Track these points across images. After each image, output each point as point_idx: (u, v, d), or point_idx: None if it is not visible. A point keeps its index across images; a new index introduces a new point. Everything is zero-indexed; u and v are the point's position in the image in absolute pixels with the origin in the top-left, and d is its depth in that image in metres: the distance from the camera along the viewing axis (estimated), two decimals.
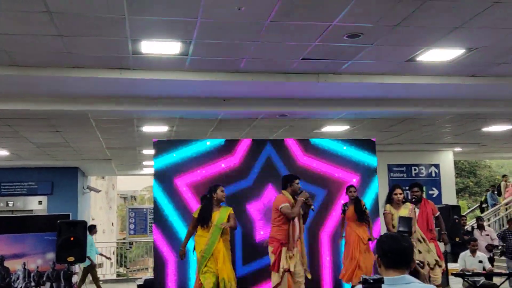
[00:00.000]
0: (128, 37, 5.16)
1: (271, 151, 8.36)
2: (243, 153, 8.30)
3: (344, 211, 7.97)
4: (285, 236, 6.06)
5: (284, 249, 6.02)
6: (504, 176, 17.12)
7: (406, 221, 6.21)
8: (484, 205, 17.14)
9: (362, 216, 7.87)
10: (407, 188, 8.28)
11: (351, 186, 8.04)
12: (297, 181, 6.25)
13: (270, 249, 6.09)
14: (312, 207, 6.39)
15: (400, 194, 6.94)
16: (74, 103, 7.10)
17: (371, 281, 2.27)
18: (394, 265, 2.51)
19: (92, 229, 12.51)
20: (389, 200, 7.02)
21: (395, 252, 2.52)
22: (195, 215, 6.58)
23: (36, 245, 7.79)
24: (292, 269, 6.02)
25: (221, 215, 6.51)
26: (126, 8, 4.45)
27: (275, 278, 6.00)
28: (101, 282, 15.09)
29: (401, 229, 6.07)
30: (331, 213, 8.23)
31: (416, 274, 2.61)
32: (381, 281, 2.26)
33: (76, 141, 10.32)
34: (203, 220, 6.44)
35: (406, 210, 6.83)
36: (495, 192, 16.89)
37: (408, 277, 2.46)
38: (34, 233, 7.85)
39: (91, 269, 11.97)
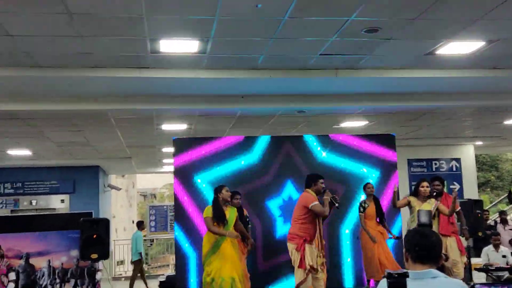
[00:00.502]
0: (146, 36, 5.21)
1: (290, 148, 8.40)
2: (262, 150, 8.36)
3: (364, 209, 7.91)
4: (308, 234, 6.08)
5: (307, 246, 6.02)
6: None
7: (426, 214, 6.15)
8: None
9: (383, 217, 7.90)
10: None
11: (368, 183, 8.05)
12: (321, 180, 6.26)
13: (292, 246, 6.08)
14: (337, 205, 6.39)
15: (427, 187, 6.91)
16: (94, 103, 7.20)
17: (396, 275, 2.26)
18: (421, 259, 2.50)
19: (141, 224, 12.82)
20: (415, 193, 7.00)
21: (423, 247, 2.51)
22: (209, 215, 6.57)
23: (60, 242, 7.90)
24: (315, 266, 6.03)
25: (230, 215, 6.59)
26: (144, 8, 4.48)
27: (299, 275, 6.00)
28: (123, 279, 15.29)
29: (422, 221, 6.02)
30: (351, 209, 8.23)
31: (441, 267, 2.59)
32: (405, 275, 2.25)
33: (96, 140, 10.44)
34: (219, 218, 6.48)
35: (429, 205, 6.78)
36: None
37: (434, 271, 2.45)
38: (58, 231, 7.96)
39: (139, 263, 12.26)
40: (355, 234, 8.34)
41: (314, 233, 6.17)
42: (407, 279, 2.33)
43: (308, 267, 5.95)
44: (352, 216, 8.41)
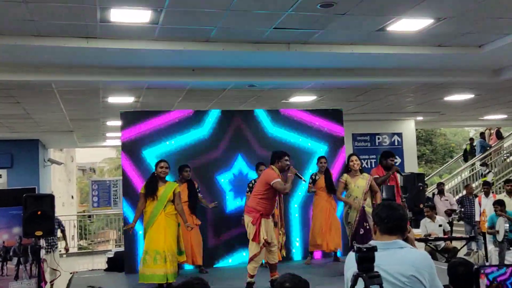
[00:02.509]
0: (96, 5, 4.99)
1: (240, 123, 8.38)
2: (212, 124, 8.29)
3: (314, 181, 8.07)
4: (265, 209, 6.11)
5: (263, 220, 6.06)
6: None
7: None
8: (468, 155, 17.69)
9: (332, 188, 8.04)
10: (373, 156, 8.38)
11: (322, 157, 8.16)
12: (286, 157, 6.24)
13: (248, 219, 6.10)
14: (304, 179, 6.54)
15: (356, 160, 6.97)
16: (37, 73, 6.88)
17: (364, 249, 2.31)
18: (389, 231, 2.61)
19: None
20: (347, 169, 7.05)
21: (392, 219, 2.61)
22: (142, 191, 6.64)
23: (1, 219, 7.54)
24: (270, 240, 6.09)
25: (166, 190, 6.56)
26: None
27: (253, 248, 6.04)
28: (64, 256, 14.85)
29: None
30: (299, 183, 8.32)
31: (405, 239, 2.73)
32: (374, 249, 2.30)
33: (37, 112, 9.99)
34: (150, 192, 6.52)
35: (364, 180, 6.82)
36: (484, 139, 17.54)
37: (401, 242, 2.57)
38: None
39: None
40: (303, 208, 8.49)
41: (271, 208, 6.22)
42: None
43: (262, 241, 6.00)
44: (300, 190, 8.54)
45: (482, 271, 2.42)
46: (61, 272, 8.14)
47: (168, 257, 6.33)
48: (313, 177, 8.09)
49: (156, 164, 6.70)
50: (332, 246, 7.94)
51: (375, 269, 2.45)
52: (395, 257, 2.51)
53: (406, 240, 2.72)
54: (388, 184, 6.81)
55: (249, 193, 7.58)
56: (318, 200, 8.10)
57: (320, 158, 8.14)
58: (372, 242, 2.70)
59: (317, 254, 8.36)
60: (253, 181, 7.70)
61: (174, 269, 6.41)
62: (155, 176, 6.64)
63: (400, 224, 2.62)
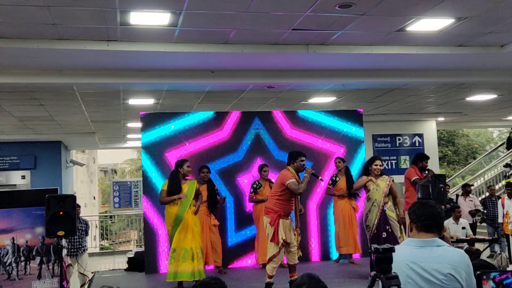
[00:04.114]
0: (116, 8, 5.05)
1: (259, 125, 8.43)
2: (232, 127, 8.35)
3: (335, 182, 8.03)
4: (283, 209, 6.13)
5: (281, 220, 6.08)
6: None
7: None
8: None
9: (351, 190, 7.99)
10: (394, 158, 8.27)
11: (338, 157, 8.15)
12: (302, 158, 6.24)
13: (267, 220, 6.13)
14: (321, 178, 6.55)
15: (381, 166, 6.88)
16: (59, 76, 6.98)
17: (381, 250, 2.30)
18: (426, 229, 2.64)
19: None
20: (367, 171, 6.93)
21: (429, 217, 2.65)
22: (165, 188, 6.71)
23: (24, 219, 7.67)
24: (289, 240, 6.11)
25: (189, 187, 6.68)
26: None
27: (272, 248, 6.07)
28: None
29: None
30: (318, 183, 8.32)
31: (442, 238, 2.77)
32: (391, 250, 2.30)
33: (60, 114, 10.15)
34: (173, 192, 6.58)
35: (383, 182, 6.75)
36: None
37: (439, 240, 2.61)
38: (22, 207, 7.74)
39: None
40: (321, 208, 8.47)
41: (289, 209, 6.24)
42: (414, 246, 2.54)
43: (281, 241, 6.02)
44: (319, 191, 8.52)
45: (484, 277, 2.40)
46: (89, 276, 8.20)
47: (196, 255, 6.41)
48: (334, 178, 8.06)
49: (181, 163, 6.76)
50: (354, 248, 7.93)
51: (413, 266, 2.49)
52: (432, 254, 2.55)
53: (442, 238, 2.73)
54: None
55: (252, 193, 7.66)
56: (340, 202, 8.06)
57: (335, 158, 8.12)
58: (408, 240, 2.71)
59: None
60: (257, 182, 7.75)
61: (203, 267, 6.50)
62: (178, 175, 6.69)
63: (437, 221, 2.65)
